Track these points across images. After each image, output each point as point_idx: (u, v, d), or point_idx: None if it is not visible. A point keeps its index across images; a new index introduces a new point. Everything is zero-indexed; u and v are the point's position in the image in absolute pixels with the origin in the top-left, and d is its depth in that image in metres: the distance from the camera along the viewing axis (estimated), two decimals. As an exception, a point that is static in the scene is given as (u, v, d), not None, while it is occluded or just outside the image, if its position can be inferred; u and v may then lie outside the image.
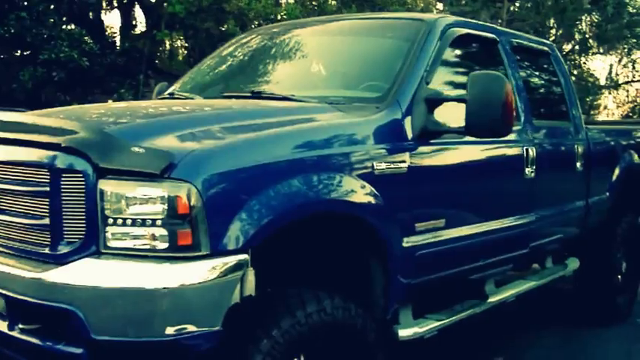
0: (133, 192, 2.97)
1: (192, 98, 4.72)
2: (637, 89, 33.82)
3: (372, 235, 3.76)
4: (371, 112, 4.00)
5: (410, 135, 4.03)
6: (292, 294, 3.40)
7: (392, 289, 3.91)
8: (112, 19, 43.44)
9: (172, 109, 4.01)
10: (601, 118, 31.86)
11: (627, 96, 34.15)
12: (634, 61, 32.39)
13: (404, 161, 3.93)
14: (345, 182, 3.58)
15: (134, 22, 22.26)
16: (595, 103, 31.56)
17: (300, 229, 3.44)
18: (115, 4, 20.98)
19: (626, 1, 23.85)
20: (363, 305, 3.73)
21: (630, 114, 32.54)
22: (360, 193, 3.65)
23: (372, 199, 3.71)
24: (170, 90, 5.27)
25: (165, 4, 17.44)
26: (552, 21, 24.57)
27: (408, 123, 4.04)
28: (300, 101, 4.19)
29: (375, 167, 3.75)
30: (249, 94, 4.47)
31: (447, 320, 4.39)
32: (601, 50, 27.33)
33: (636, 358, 5.84)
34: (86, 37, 16.84)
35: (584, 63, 28.71)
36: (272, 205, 3.18)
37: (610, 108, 34.64)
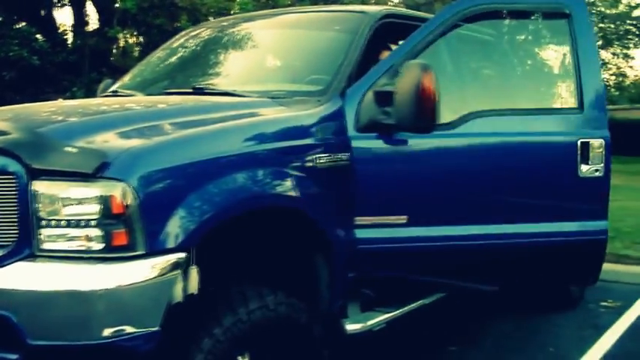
0: (67, 193, 2.92)
1: (133, 95, 4.65)
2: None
3: (315, 229, 3.75)
4: (312, 105, 3.98)
5: (352, 128, 4.00)
6: (234, 291, 3.38)
7: (336, 284, 3.90)
8: (65, 17, 42.90)
9: (110, 107, 3.96)
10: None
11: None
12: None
13: (346, 154, 3.91)
14: (285, 176, 3.57)
15: (87, 20, 21.98)
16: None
17: (243, 225, 3.42)
18: (67, 1, 20.70)
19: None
20: (309, 300, 3.72)
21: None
22: (302, 187, 3.63)
23: (313, 193, 3.70)
24: (114, 87, 5.21)
25: (120, 1, 17.25)
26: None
27: (350, 116, 4.02)
28: (242, 96, 4.16)
29: (317, 161, 3.74)
30: (191, 90, 4.42)
31: (396, 313, 4.38)
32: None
33: (588, 343, 5.85)
34: (37, 35, 16.56)
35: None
36: (210, 202, 3.15)
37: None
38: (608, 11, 30.24)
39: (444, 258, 4.28)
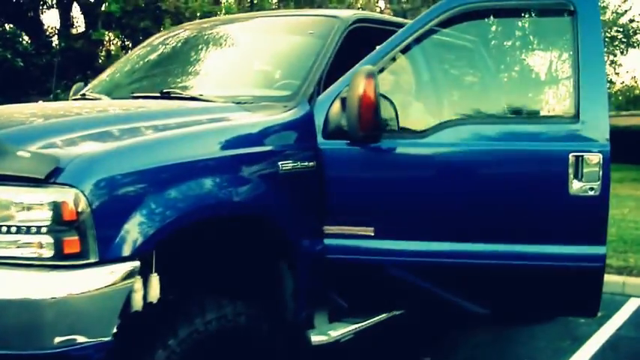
0: (18, 198, 2.83)
1: (100, 99, 4.57)
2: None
3: (280, 238, 3.68)
4: (279, 111, 3.91)
5: (321, 135, 3.93)
6: (192, 300, 3.29)
7: (301, 294, 3.83)
8: (53, 20, 42.81)
9: (71, 111, 3.86)
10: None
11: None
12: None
13: (313, 162, 3.84)
14: (247, 183, 3.49)
15: (73, 22, 21.92)
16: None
17: (205, 232, 3.35)
18: (53, 4, 20.62)
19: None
20: (273, 310, 3.65)
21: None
22: (265, 194, 3.56)
23: (277, 201, 3.62)
24: (83, 90, 5.13)
25: (105, 3, 17.20)
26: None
27: (319, 122, 3.95)
28: (207, 101, 4.09)
29: (282, 168, 3.66)
30: (158, 95, 4.33)
31: (364, 323, 4.28)
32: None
33: (566, 355, 5.80)
34: (23, 38, 16.47)
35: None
36: (167, 209, 3.08)
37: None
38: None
39: (414, 274, 4.08)
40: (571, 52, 4.08)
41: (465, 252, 4.00)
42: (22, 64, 15.74)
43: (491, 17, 4.37)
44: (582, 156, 3.86)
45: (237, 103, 4.02)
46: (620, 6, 31.36)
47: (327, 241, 3.96)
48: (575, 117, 3.95)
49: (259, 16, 5.74)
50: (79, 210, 2.82)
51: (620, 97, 43.61)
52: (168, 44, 5.34)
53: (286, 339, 3.69)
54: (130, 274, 2.94)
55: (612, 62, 32.95)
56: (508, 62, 4.68)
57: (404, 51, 4.10)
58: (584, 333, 6.28)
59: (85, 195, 2.82)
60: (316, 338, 3.98)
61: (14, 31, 16.42)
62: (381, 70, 3.99)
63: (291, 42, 4.78)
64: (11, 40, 15.98)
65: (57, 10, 20.87)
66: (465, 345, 5.96)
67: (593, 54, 4.00)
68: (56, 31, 20.89)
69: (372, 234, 3.97)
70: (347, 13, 4.78)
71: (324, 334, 4.02)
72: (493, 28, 4.66)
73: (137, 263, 2.97)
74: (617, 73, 35.69)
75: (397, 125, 3.94)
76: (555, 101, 4.50)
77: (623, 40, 29.94)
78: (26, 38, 17.77)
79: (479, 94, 4.48)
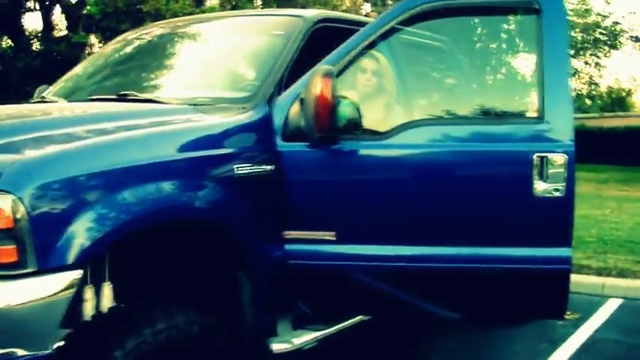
0: None
1: (56, 102, 4.46)
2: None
3: (236, 244, 3.58)
4: (235, 112, 3.81)
5: (279, 136, 3.82)
6: (141, 309, 3.17)
7: (260, 301, 3.72)
8: (37, 23, 42.55)
9: (19, 114, 3.74)
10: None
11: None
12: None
13: (271, 165, 3.73)
14: (201, 188, 3.39)
15: (54, 26, 21.79)
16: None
17: (158, 239, 3.26)
18: (35, 7, 20.49)
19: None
20: (230, 319, 3.54)
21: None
22: (220, 198, 3.46)
23: (233, 205, 3.52)
24: (44, 93, 5.01)
25: (88, 7, 17.10)
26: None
27: (278, 124, 3.85)
28: (163, 103, 3.98)
29: (238, 171, 3.55)
30: (115, 97, 4.21)
31: (329, 330, 4.17)
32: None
33: (541, 358, 5.71)
34: (3, 40, 16.33)
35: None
36: (111, 215, 2.97)
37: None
38: (580, 21, 30.32)
39: (378, 279, 3.98)
40: (536, 52, 3.96)
41: (429, 256, 3.89)
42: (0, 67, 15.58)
43: (456, 16, 4.23)
44: (547, 157, 3.76)
45: (193, 105, 3.91)
46: (604, 9, 31.47)
47: (287, 247, 3.86)
48: (540, 117, 3.85)
49: (223, 16, 5.62)
50: (17, 217, 2.71)
51: (606, 99, 43.64)
52: (130, 46, 5.23)
53: (245, 348, 3.57)
54: (71, 284, 2.82)
55: (597, 64, 32.98)
56: (473, 62, 4.53)
57: (366, 50, 3.98)
58: (561, 335, 6.18)
59: (22, 202, 2.71)
60: (278, 346, 3.87)
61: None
62: (343, 70, 3.88)
63: (253, 42, 4.67)
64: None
65: (39, 14, 20.77)
66: (439, 350, 5.86)
67: (557, 54, 3.90)
68: (40, 34, 20.77)
69: (334, 238, 3.86)
70: (311, 13, 4.67)
71: (287, 341, 3.92)
72: (459, 26, 4.52)
73: (79, 272, 2.86)
74: (600, 76, 35.72)
75: (358, 126, 3.83)
76: (520, 101, 4.36)
77: (608, 42, 29.96)
78: (9, 42, 17.61)
79: (443, 94, 4.36)
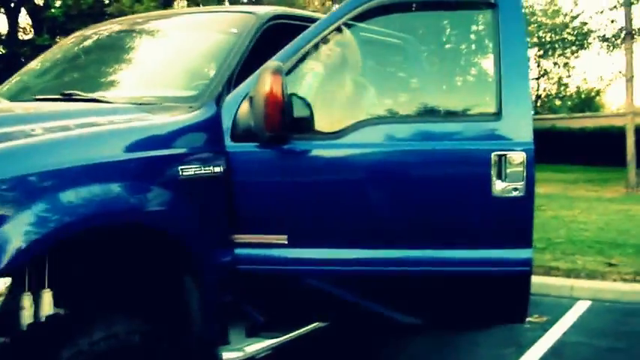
0: None
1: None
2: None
3: (182, 248, 3.42)
4: (182, 112, 3.66)
5: (228, 136, 3.67)
6: (78, 317, 3.02)
7: (209, 308, 3.57)
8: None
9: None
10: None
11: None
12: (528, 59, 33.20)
13: (219, 166, 3.58)
14: (141, 190, 3.22)
15: (23, 28, 21.62)
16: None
17: (98, 244, 3.13)
18: (0, 10, 20.26)
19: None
20: (176, 327, 3.39)
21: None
22: (163, 201, 3.30)
23: (178, 208, 3.36)
24: (-9, 93, 4.82)
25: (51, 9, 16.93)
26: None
27: (227, 123, 3.69)
28: (107, 102, 3.83)
29: (183, 173, 3.39)
30: (60, 97, 4.05)
31: (283, 338, 4.03)
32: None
33: (507, 361, 5.63)
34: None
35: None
36: (43, 219, 2.79)
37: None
38: (549, 21, 30.52)
39: (332, 284, 3.83)
40: (493, 48, 3.82)
41: (385, 259, 3.75)
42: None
43: (410, 11, 4.08)
44: (505, 155, 3.63)
45: (139, 104, 3.75)
46: (572, 10, 31.75)
47: (237, 251, 3.70)
48: (497, 115, 3.71)
49: (177, 13, 5.47)
50: None
51: (576, 100, 43.89)
52: (81, 43, 5.06)
53: (193, 358, 3.41)
54: (-1, 293, 2.65)
55: (565, 64, 33.27)
56: (431, 59, 4.37)
57: (318, 46, 3.82)
58: (528, 339, 6.10)
59: None
60: (230, 355, 3.72)
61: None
62: (295, 67, 3.74)
63: (203, 40, 4.51)
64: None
65: (4, 17, 20.55)
66: (403, 355, 5.73)
67: (515, 49, 3.76)
68: (4, 37, 20.54)
69: (286, 242, 3.71)
70: (264, 9, 4.52)
71: (239, 350, 3.78)
72: (415, 22, 4.37)
73: (8, 280, 2.68)
74: (569, 76, 36.02)
75: (310, 125, 3.67)
76: (477, 99, 4.16)
77: (576, 42, 30.14)
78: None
79: (399, 91, 4.18)
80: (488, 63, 3.99)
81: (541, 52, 32.56)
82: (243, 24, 4.24)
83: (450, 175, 3.77)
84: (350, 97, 4.05)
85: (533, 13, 30.50)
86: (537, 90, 39.85)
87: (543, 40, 30.59)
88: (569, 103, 42.79)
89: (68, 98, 3.98)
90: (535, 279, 7.61)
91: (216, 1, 19.06)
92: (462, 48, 4.34)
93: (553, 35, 30.41)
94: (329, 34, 3.81)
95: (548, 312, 6.87)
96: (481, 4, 3.97)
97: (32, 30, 20.13)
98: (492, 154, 3.63)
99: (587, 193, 16.51)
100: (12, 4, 19.97)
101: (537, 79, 37.50)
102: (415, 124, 3.83)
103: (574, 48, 31.04)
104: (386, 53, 4.22)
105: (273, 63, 3.52)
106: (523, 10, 3.91)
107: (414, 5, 4.00)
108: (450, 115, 3.98)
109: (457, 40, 4.35)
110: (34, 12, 19.50)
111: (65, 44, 5.24)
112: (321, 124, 3.74)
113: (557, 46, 30.91)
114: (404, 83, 4.16)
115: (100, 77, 4.54)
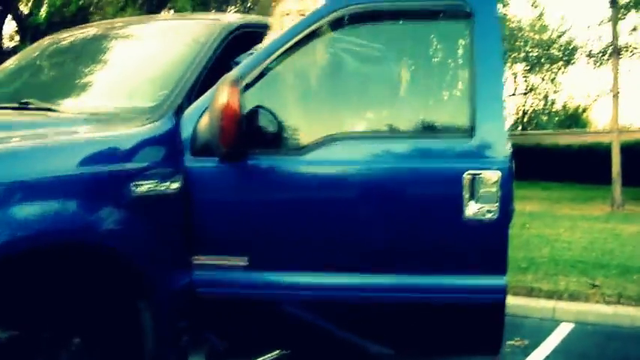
0: None
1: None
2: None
3: (133, 270, 3.20)
4: (137, 124, 3.44)
5: (188, 151, 3.46)
6: (16, 343, 2.83)
7: (164, 334, 3.35)
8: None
9: None
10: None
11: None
12: (515, 75, 33.33)
13: (177, 182, 3.37)
14: (89, 208, 3.01)
15: (11, 36, 21.48)
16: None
17: (43, 265, 2.91)
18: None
19: (504, 14, 24.17)
20: (127, 354, 3.18)
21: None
22: (110, 220, 3.09)
23: (129, 228, 3.15)
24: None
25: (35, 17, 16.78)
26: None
27: (186, 137, 3.48)
28: (62, 113, 3.61)
29: (134, 190, 3.18)
30: (16, 105, 3.84)
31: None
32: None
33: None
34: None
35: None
36: None
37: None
38: (536, 37, 30.53)
39: (295, 309, 3.63)
40: (467, 61, 3.62)
41: (349, 284, 3.52)
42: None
43: (383, 20, 3.85)
44: (478, 175, 3.40)
45: (93, 115, 3.52)
46: (560, 25, 31.75)
47: (196, 273, 3.49)
48: (471, 132, 3.47)
49: (141, 21, 5.24)
50: None
51: (561, 115, 43.91)
52: (45, 51, 4.85)
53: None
54: None
55: (552, 80, 33.32)
56: (404, 72, 4.10)
57: (284, 57, 3.60)
58: (509, 363, 5.88)
59: None
60: (184, 384, 3.50)
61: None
62: (259, 78, 3.52)
63: (166, 48, 4.29)
64: None
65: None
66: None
67: (490, 62, 3.52)
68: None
69: (247, 264, 3.49)
70: (231, 18, 4.35)
71: (197, 378, 3.55)
72: (386, 33, 4.10)
73: None
74: (555, 92, 36.06)
75: (274, 140, 3.45)
76: (449, 114, 3.84)
77: (564, 58, 30.11)
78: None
79: (368, 105, 3.88)
80: (462, 76, 3.75)
81: (528, 67, 32.57)
82: (208, 32, 4.04)
83: (419, 195, 3.53)
84: (317, 111, 3.80)
85: (520, 29, 30.48)
86: (524, 105, 39.95)
87: (530, 55, 30.60)
88: (556, 119, 42.78)
89: (24, 107, 3.78)
90: (517, 300, 7.56)
91: (203, 9, 18.90)
92: (436, 61, 4.06)
93: (540, 51, 30.42)
94: (295, 44, 3.59)
95: (530, 335, 6.69)
96: (456, 15, 3.70)
97: (20, 37, 19.94)
98: (465, 174, 3.40)
99: (572, 212, 16.35)
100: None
101: (524, 94, 37.63)
102: (384, 141, 3.61)
103: (560, 64, 31.04)
104: (356, 65, 3.95)
105: (231, 74, 3.31)
106: (499, 23, 3.68)
107: (383, 15, 3.79)
108: (421, 131, 3.71)
109: (430, 52, 4.09)
110: (20, 19, 19.34)
111: (29, 51, 5.04)
112: (287, 138, 3.51)
113: (543, 61, 30.91)
114: (374, 97, 3.88)
115: (59, 86, 4.31)
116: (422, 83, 3.94)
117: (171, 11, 19.73)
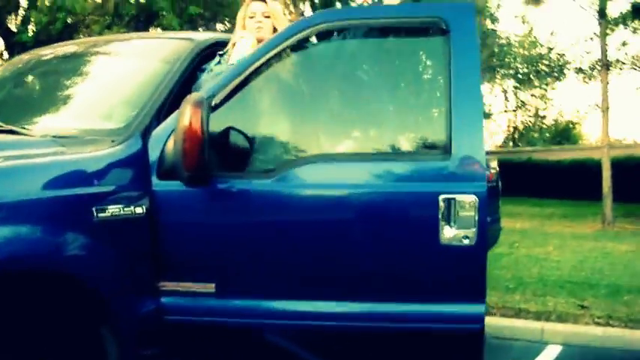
0: None
1: None
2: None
3: (96, 297, 3.10)
4: (103, 146, 3.33)
5: (155, 173, 3.35)
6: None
7: None
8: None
9: None
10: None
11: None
12: (505, 91, 33.36)
13: (142, 206, 3.27)
14: (49, 233, 2.91)
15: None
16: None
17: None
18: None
19: (494, 30, 24.16)
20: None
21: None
22: (72, 245, 3.00)
23: (91, 254, 3.05)
24: None
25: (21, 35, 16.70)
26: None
27: (152, 159, 3.38)
28: (25, 135, 3.49)
29: (96, 214, 3.07)
30: None
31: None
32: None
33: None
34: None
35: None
36: None
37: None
38: (525, 53, 30.60)
39: (265, 337, 3.54)
40: (443, 78, 3.47)
41: (320, 312, 3.40)
42: None
43: (358, 37, 3.73)
44: (454, 198, 3.28)
45: (58, 137, 3.41)
46: (549, 40, 31.82)
47: (164, 300, 3.38)
48: (446, 153, 3.35)
49: (113, 39, 5.13)
50: None
51: (552, 131, 43.92)
52: (14, 70, 4.74)
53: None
54: None
55: (542, 96, 33.39)
56: (375, 89, 3.94)
57: (255, 75, 3.49)
58: (495, 388, 5.77)
59: None
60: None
61: None
62: (228, 98, 3.41)
63: (135, 68, 4.17)
64: None
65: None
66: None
67: (467, 80, 3.39)
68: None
69: (213, 291, 3.38)
70: (202, 36, 4.24)
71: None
72: (364, 50, 3.97)
73: None
74: (544, 108, 36.09)
75: (243, 162, 3.34)
76: (424, 134, 3.69)
77: (553, 74, 30.18)
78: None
79: (339, 126, 3.74)
80: (439, 95, 3.62)
81: (517, 83, 32.69)
82: (179, 51, 3.95)
83: (393, 219, 3.40)
84: (288, 132, 3.67)
85: (510, 44, 30.54)
86: (515, 122, 39.97)
87: (519, 71, 30.68)
88: (547, 134, 42.75)
89: None
90: (504, 321, 7.43)
91: (190, 26, 18.85)
92: (412, 79, 3.93)
93: (529, 66, 30.50)
94: (266, 62, 3.48)
95: (517, 357, 6.64)
96: (431, 30, 3.61)
97: (8, 55, 19.85)
98: (440, 197, 3.28)
99: (562, 229, 16.21)
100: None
101: (514, 110, 37.69)
102: (358, 163, 3.48)
103: (549, 79, 31.12)
104: (329, 84, 3.82)
105: (195, 95, 3.19)
106: (476, 39, 3.57)
107: (358, 32, 3.68)
108: (396, 152, 3.59)
109: (406, 70, 3.96)
110: (7, 37, 19.24)
111: (2, 69, 4.92)
112: (257, 160, 3.41)
113: (532, 77, 30.98)
114: (348, 117, 3.74)
115: (26, 106, 4.20)
116: (397, 102, 3.80)
117: (158, 29, 19.69)
